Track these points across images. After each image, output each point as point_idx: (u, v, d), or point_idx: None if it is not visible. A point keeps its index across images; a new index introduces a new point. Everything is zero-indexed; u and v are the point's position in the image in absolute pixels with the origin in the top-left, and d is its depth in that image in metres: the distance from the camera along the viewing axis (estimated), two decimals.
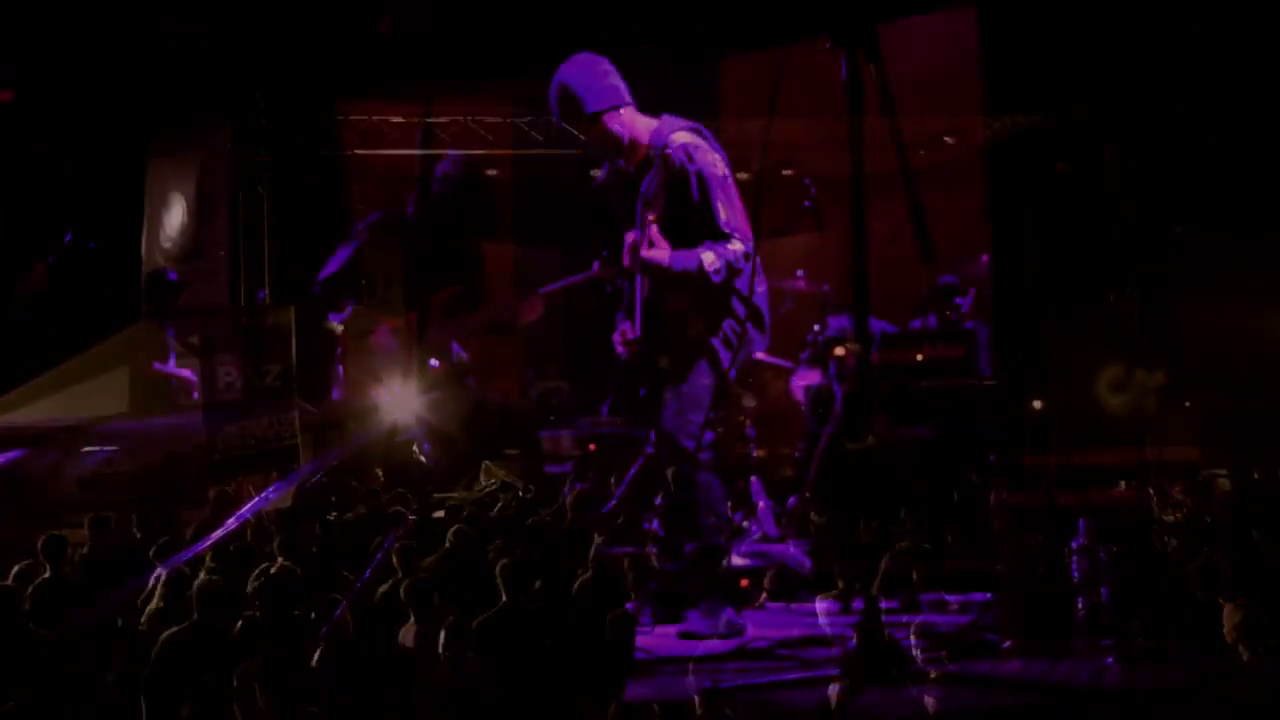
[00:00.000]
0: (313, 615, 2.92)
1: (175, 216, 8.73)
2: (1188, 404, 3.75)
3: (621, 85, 4.41)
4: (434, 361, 5.10)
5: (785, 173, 5.81)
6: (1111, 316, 4.05)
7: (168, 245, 8.77)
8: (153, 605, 3.10)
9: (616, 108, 4.41)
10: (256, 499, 3.33)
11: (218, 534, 3.41)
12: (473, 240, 5.28)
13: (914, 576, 4.29)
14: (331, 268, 5.15)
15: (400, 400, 4.72)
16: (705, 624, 4.20)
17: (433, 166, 5.14)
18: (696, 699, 2.61)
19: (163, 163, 8.84)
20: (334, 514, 3.54)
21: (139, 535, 3.75)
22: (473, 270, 5.27)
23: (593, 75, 4.38)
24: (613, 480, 5.72)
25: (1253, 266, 3.98)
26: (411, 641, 2.92)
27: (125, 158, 8.34)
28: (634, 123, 4.45)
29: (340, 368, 5.13)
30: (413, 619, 2.95)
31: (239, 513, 3.38)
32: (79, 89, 7.62)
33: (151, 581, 3.15)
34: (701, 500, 4.26)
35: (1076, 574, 3.44)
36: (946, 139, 6.19)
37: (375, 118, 7.88)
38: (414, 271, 5.15)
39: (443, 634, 2.79)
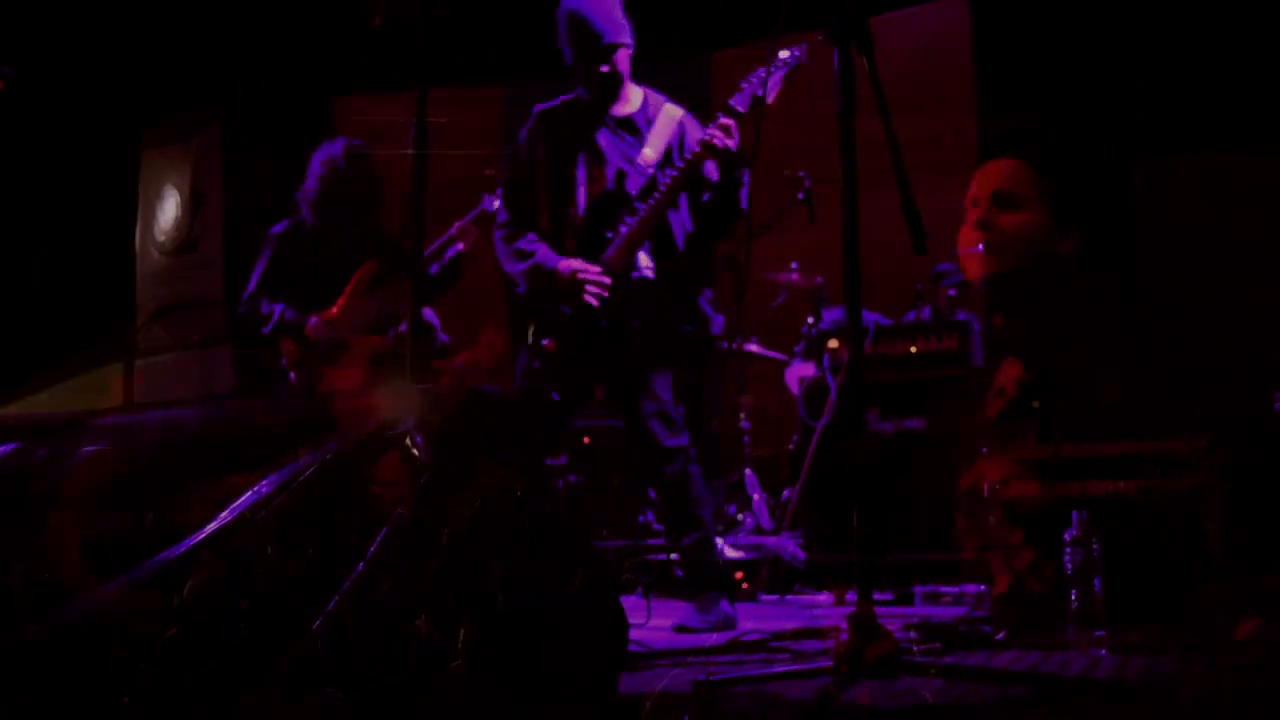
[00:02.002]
0: (313, 615, 2.91)
1: (169, 210, 8.74)
2: (1188, 401, 3.76)
3: (629, 23, 4.31)
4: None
5: (785, 172, 5.82)
6: (1110, 307, 4.05)
7: (162, 239, 8.78)
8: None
9: (629, 46, 4.30)
10: (249, 494, 3.32)
11: (211, 529, 3.41)
12: (374, 217, 5.28)
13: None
14: (253, 283, 5.16)
15: (394, 394, 4.72)
16: (699, 618, 4.21)
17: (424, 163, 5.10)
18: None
19: (156, 156, 8.84)
20: (335, 513, 3.54)
21: (137, 532, 3.74)
22: (383, 244, 5.27)
23: (608, 4, 4.28)
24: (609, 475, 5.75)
25: (1254, 266, 3.99)
26: (420, 640, 2.92)
27: (118, 152, 8.35)
28: (628, 70, 4.36)
29: (291, 375, 5.12)
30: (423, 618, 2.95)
31: (232, 508, 3.37)
32: (70, 84, 7.62)
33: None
34: (694, 493, 4.26)
35: (1070, 566, 3.46)
36: (946, 139, 6.21)
37: (372, 116, 7.89)
38: (326, 264, 5.16)
39: (462, 633, 2.79)
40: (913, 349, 5.34)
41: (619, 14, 4.29)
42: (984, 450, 3.78)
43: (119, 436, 3.87)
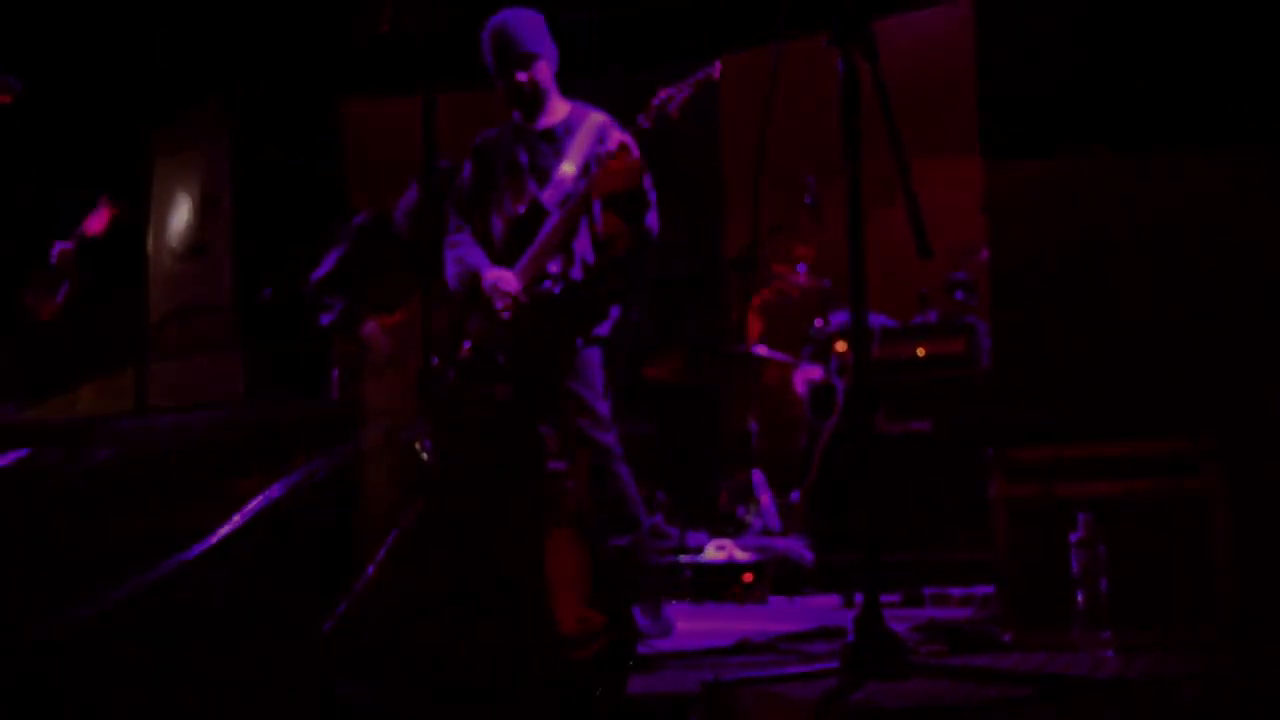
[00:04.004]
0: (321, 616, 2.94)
1: (182, 215, 8.77)
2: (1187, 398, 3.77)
3: (552, 42, 4.40)
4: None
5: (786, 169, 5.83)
6: (1111, 306, 4.06)
7: (175, 245, 8.82)
8: None
9: (547, 57, 4.37)
10: (259, 497, 3.35)
11: (222, 532, 3.43)
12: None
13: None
14: (323, 269, 5.15)
15: (401, 396, 4.74)
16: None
17: (432, 167, 5.16)
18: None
19: (168, 161, 8.87)
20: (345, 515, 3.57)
21: (146, 534, 3.76)
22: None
23: (532, 20, 4.37)
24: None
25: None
26: (426, 640, 2.94)
27: (127, 157, 8.37)
28: (554, 82, 4.42)
29: (335, 371, 5.12)
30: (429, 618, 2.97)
31: (244, 511, 3.40)
32: (78, 88, 7.65)
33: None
34: (628, 493, 4.27)
35: (1076, 567, 3.47)
36: (950, 142, 6.22)
37: (377, 117, 7.92)
38: (403, 271, 5.15)
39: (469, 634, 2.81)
40: (919, 351, 5.35)
41: (541, 31, 4.37)
42: (989, 452, 3.79)
43: (132, 441, 3.90)
